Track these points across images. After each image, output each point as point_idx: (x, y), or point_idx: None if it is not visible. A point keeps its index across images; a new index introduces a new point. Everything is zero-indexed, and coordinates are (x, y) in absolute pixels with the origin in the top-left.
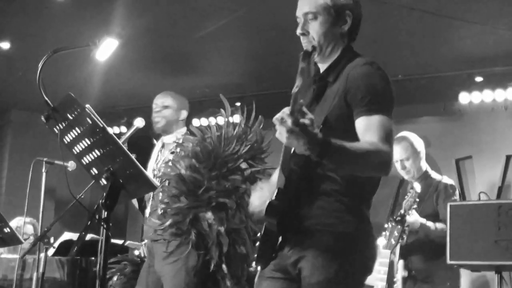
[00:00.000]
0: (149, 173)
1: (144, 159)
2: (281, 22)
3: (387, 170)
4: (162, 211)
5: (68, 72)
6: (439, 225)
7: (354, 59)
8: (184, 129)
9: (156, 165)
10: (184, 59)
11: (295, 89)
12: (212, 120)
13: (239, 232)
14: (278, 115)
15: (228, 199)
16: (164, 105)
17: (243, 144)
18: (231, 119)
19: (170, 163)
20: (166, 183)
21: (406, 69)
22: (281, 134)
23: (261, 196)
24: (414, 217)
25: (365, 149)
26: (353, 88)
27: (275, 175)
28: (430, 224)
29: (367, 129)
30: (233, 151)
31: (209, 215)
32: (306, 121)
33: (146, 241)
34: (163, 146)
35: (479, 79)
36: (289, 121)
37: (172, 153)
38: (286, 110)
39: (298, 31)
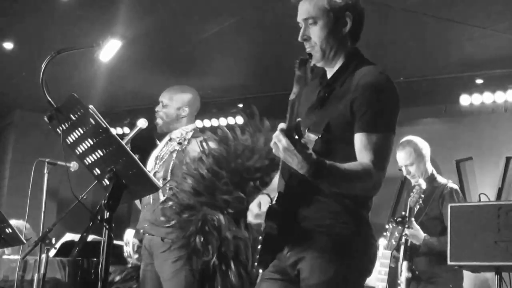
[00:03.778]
0: (150, 162)
1: (148, 160)
2: (284, 24)
3: (375, 192)
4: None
5: (71, 73)
6: (443, 239)
7: (362, 64)
8: (190, 126)
9: (160, 153)
10: (187, 60)
11: (292, 96)
12: (237, 120)
13: (243, 239)
14: (276, 133)
15: (242, 206)
16: (163, 104)
17: (266, 159)
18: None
19: (189, 161)
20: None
21: (407, 71)
22: (278, 150)
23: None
24: (417, 232)
25: (357, 173)
26: (360, 98)
27: (276, 180)
28: (433, 239)
29: (364, 147)
30: (256, 164)
31: (221, 217)
32: (302, 140)
33: (139, 239)
34: (170, 139)
35: (479, 81)
36: (283, 140)
37: (179, 143)
38: (283, 125)
39: (300, 37)
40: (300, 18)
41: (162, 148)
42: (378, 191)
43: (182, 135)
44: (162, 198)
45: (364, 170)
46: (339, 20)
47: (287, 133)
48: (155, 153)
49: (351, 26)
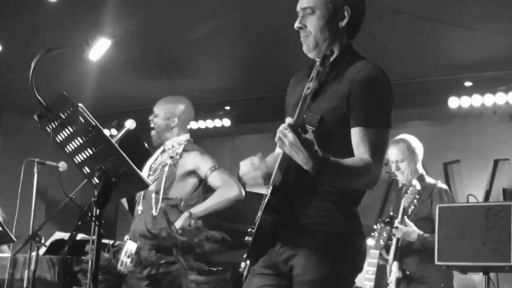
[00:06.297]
0: (145, 171)
1: (135, 160)
2: (271, 27)
3: (372, 187)
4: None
5: (60, 73)
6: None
7: (356, 60)
8: (183, 137)
9: (154, 164)
10: (174, 62)
11: (306, 91)
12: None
13: None
14: (281, 127)
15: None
16: (155, 114)
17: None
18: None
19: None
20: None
21: (396, 73)
22: (283, 145)
23: (251, 165)
24: (411, 229)
25: (359, 169)
26: (357, 93)
27: (270, 158)
28: (427, 235)
29: (362, 141)
30: None
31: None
32: (308, 136)
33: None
34: (164, 150)
35: (468, 83)
36: (290, 135)
37: (171, 157)
38: (290, 120)
39: (296, 24)
40: (299, 7)
41: (156, 159)
42: (374, 186)
43: (173, 147)
44: (154, 211)
45: (365, 166)
46: (337, 13)
47: (294, 128)
48: (149, 162)
49: (348, 20)
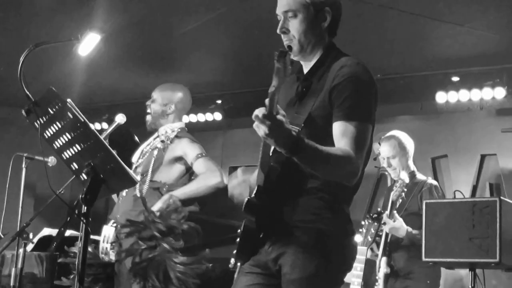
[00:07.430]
0: (136, 155)
1: (125, 155)
2: (262, 20)
3: (353, 180)
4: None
5: (49, 68)
6: None
7: (339, 57)
8: (177, 124)
9: (146, 147)
10: (165, 56)
11: (271, 89)
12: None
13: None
14: (256, 111)
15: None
16: (152, 99)
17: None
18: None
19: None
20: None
21: (384, 68)
22: (258, 128)
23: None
24: (400, 224)
25: (337, 155)
26: (339, 87)
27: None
28: (416, 232)
29: (343, 135)
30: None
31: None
32: (280, 117)
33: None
34: (158, 135)
35: (455, 79)
36: (263, 117)
37: (162, 141)
38: (263, 110)
39: (278, 29)
40: (279, 10)
41: (149, 143)
42: (356, 179)
43: (166, 133)
44: (137, 192)
45: (344, 155)
46: (319, 14)
47: (270, 115)
48: (142, 146)
49: (329, 21)
